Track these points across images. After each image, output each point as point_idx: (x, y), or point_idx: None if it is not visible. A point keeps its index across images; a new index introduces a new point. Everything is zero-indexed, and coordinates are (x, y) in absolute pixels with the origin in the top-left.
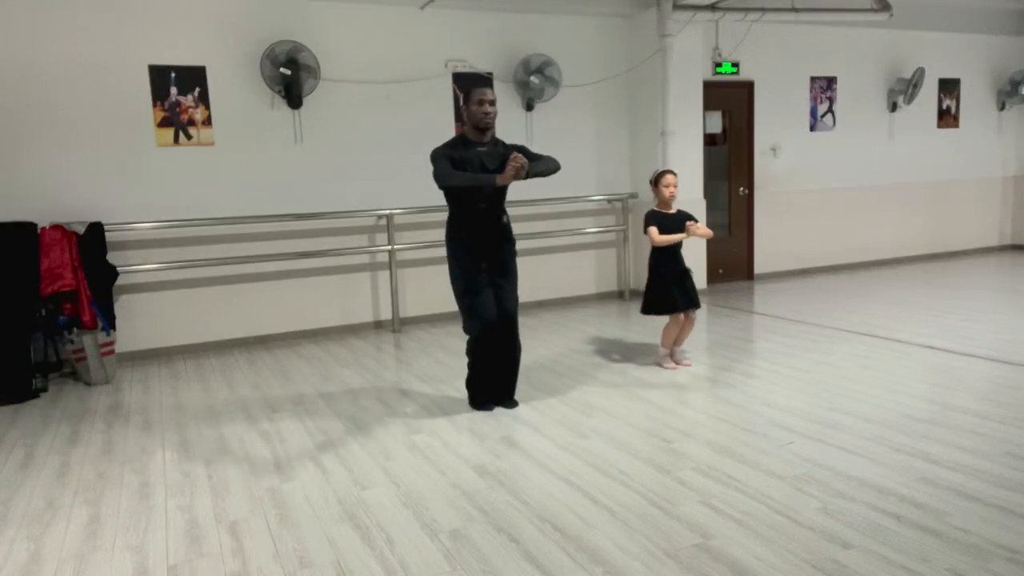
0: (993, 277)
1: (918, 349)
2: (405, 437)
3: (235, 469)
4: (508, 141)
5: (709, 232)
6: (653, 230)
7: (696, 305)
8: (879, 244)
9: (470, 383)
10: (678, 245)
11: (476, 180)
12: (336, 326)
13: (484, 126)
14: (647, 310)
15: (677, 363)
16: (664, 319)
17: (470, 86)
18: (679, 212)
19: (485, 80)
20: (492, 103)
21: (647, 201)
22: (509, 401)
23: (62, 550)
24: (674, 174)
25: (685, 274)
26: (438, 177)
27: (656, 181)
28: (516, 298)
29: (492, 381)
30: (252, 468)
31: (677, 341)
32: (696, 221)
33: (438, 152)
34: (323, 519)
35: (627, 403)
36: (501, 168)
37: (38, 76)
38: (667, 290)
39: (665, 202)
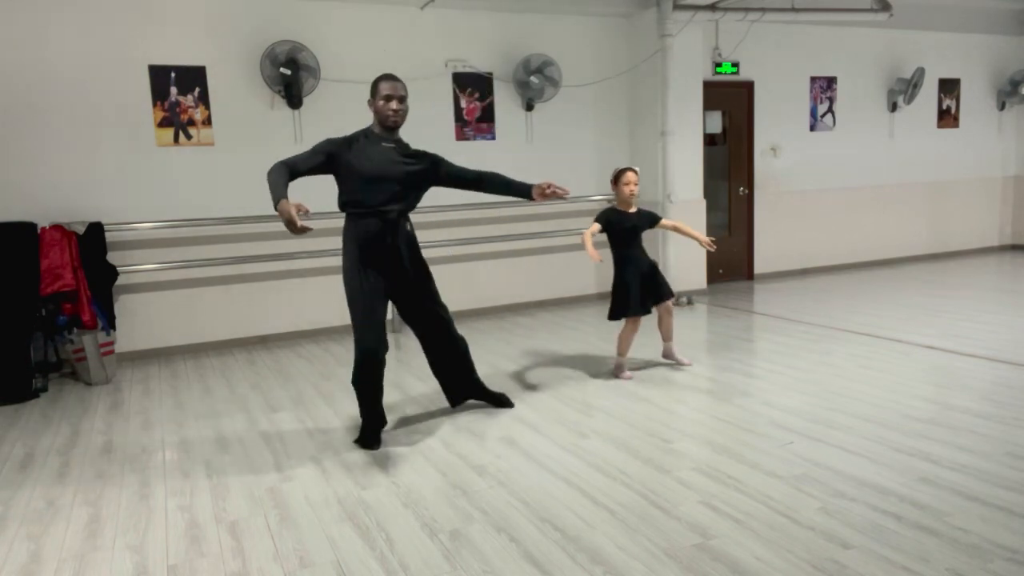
0: (993, 277)
1: (918, 349)
2: (405, 437)
3: (235, 469)
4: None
5: (596, 256)
6: (592, 227)
7: (667, 296)
8: (879, 244)
9: (362, 417)
10: (636, 243)
11: (273, 192)
12: (336, 326)
13: (391, 125)
14: (613, 315)
15: (679, 362)
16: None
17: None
18: (640, 211)
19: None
20: (401, 100)
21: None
22: (489, 394)
23: (62, 550)
24: (635, 172)
25: (652, 270)
26: (272, 167)
27: (616, 179)
28: (437, 297)
29: (456, 384)
30: (252, 468)
31: (665, 337)
32: (660, 219)
33: (319, 145)
34: (323, 519)
35: (627, 403)
36: (403, 171)
37: (38, 76)
38: (628, 291)
39: (625, 200)
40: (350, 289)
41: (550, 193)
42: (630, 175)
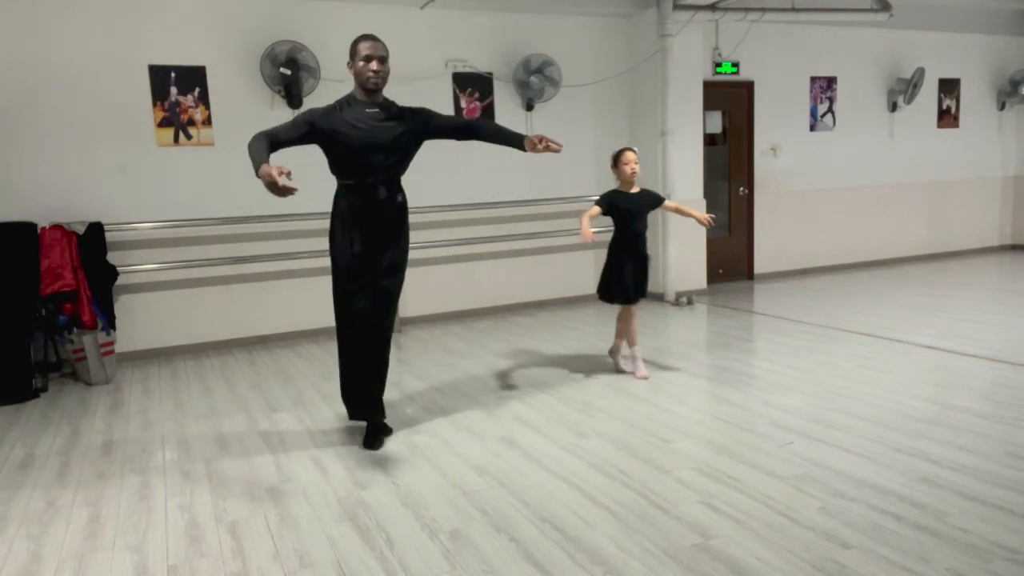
0: (993, 277)
1: (918, 349)
2: (405, 437)
3: (235, 469)
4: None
5: (588, 236)
6: (592, 210)
7: (641, 295)
8: (879, 244)
9: (342, 392)
10: (641, 224)
11: (255, 160)
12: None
13: (371, 87)
14: (603, 296)
15: (619, 369)
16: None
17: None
18: (644, 191)
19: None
20: (382, 60)
21: None
22: (375, 423)
23: (62, 550)
24: (634, 151)
25: (644, 263)
26: (252, 138)
27: (616, 160)
28: (395, 297)
29: (356, 391)
30: (252, 468)
31: (620, 338)
32: (664, 200)
33: (301, 115)
34: (323, 519)
35: (627, 403)
36: (390, 135)
37: (38, 76)
38: (615, 279)
39: (627, 180)
40: (334, 262)
41: (543, 148)
42: (629, 155)
